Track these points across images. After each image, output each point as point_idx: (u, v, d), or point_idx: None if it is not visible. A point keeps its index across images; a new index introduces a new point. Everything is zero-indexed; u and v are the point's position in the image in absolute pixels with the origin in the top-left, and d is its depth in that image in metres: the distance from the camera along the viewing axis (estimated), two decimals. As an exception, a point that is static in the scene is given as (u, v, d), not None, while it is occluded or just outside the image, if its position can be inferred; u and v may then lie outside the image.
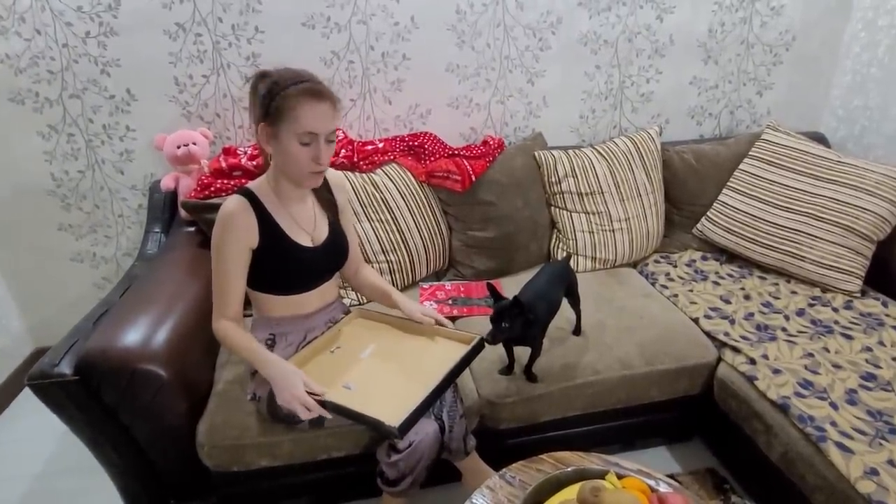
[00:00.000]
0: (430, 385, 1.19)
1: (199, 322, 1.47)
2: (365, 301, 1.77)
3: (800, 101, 2.33)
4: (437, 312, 1.43)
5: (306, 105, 1.15)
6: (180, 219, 1.84)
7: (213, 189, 1.76)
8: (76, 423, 1.29)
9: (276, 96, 1.14)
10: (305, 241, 1.31)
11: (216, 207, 1.67)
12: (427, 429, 1.27)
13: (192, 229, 1.80)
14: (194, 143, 1.81)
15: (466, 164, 1.87)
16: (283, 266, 1.28)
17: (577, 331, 1.61)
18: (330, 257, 1.39)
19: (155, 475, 1.39)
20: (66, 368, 1.24)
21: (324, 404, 1.16)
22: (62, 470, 1.79)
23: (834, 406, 1.31)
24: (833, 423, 1.26)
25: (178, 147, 1.79)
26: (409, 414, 1.11)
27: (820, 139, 2.23)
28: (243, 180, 1.80)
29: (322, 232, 1.36)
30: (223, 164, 1.80)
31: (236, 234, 1.21)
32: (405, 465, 1.26)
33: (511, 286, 1.86)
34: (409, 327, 1.44)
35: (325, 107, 1.17)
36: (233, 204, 1.22)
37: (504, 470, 1.06)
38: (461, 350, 1.31)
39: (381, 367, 1.34)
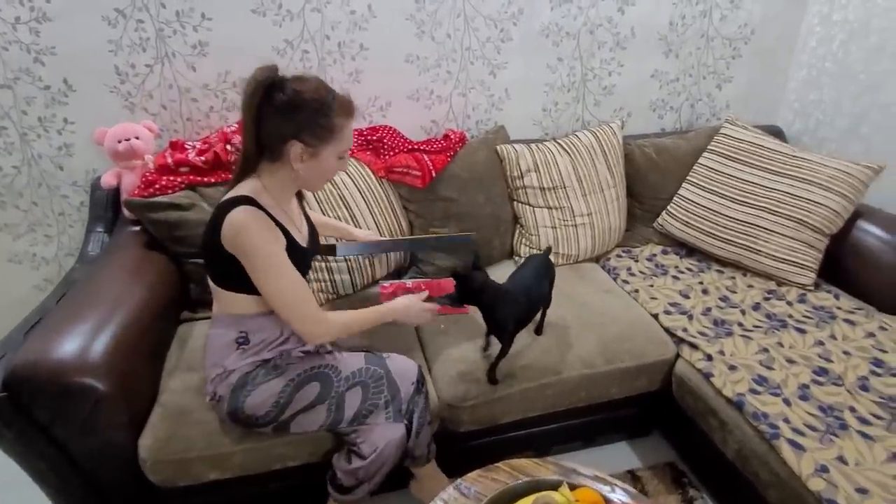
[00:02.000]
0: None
1: (142, 328, 1.40)
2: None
3: (758, 95, 2.36)
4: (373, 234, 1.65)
5: (349, 125, 1.18)
6: (124, 218, 1.74)
7: (157, 186, 1.67)
8: (5, 441, 1.21)
9: (323, 116, 1.12)
10: (302, 241, 1.27)
11: (162, 206, 1.63)
12: (394, 434, 1.24)
13: (138, 228, 1.70)
14: (137, 138, 1.71)
15: (426, 158, 1.82)
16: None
17: (538, 330, 1.59)
18: (314, 252, 1.38)
19: (96, 493, 1.31)
20: (-9, 385, 1.15)
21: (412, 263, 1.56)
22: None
23: (787, 402, 1.33)
24: (786, 420, 1.28)
25: (120, 141, 1.69)
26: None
27: (777, 133, 2.26)
28: (191, 177, 1.72)
29: (305, 227, 1.34)
30: (169, 160, 1.70)
31: (273, 244, 1.14)
32: (365, 472, 1.23)
33: (473, 283, 1.84)
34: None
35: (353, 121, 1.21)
36: (246, 215, 1.12)
37: (459, 480, 1.04)
38: None
39: None
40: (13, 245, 1.95)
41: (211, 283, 1.26)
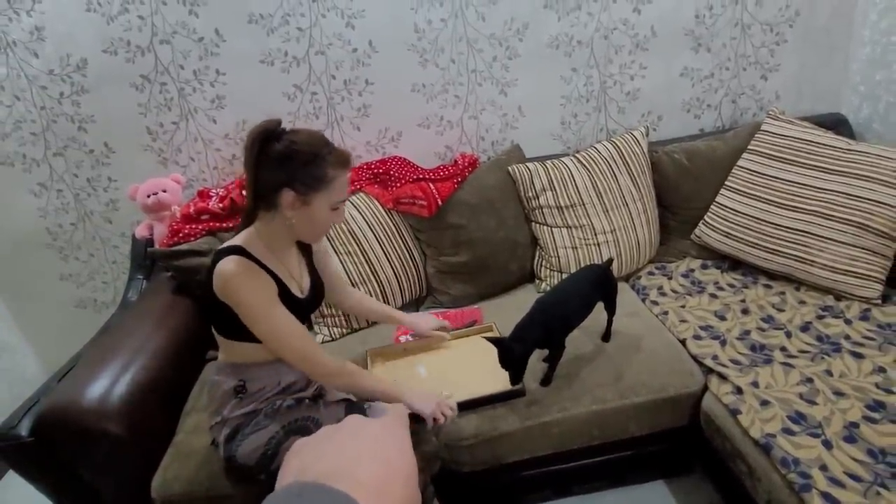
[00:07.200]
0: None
1: (159, 373, 1.49)
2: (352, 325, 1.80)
3: (813, 81, 2.08)
4: (439, 320, 1.62)
5: (343, 176, 1.19)
6: (160, 265, 1.88)
7: (182, 234, 1.79)
8: (39, 483, 1.33)
9: (315, 166, 1.14)
10: (297, 291, 1.29)
11: (184, 253, 1.73)
12: None
13: (169, 275, 1.83)
14: (164, 191, 1.84)
15: (432, 187, 1.80)
16: None
17: (605, 336, 1.56)
18: (314, 303, 1.39)
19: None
20: (22, 430, 1.28)
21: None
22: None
23: (827, 444, 1.14)
24: (823, 467, 1.09)
25: (148, 196, 1.83)
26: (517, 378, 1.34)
27: (839, 122, 1.98)
28: (211, 223, 1.82)
29: (306, 278, 1.35)
30: (192, 209, 1.82)
31: (260, 290, 1.17)
32: None
33: (492, 311, 1.77)
34: (425, 343, 1.61)
35: (350, 173, 1.22)
36: (233, 265, 1.15)
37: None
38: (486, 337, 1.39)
39: (447, 374, 1.49)
40: (77, 292, 2.18)
41: (214, 332, 1.31)
